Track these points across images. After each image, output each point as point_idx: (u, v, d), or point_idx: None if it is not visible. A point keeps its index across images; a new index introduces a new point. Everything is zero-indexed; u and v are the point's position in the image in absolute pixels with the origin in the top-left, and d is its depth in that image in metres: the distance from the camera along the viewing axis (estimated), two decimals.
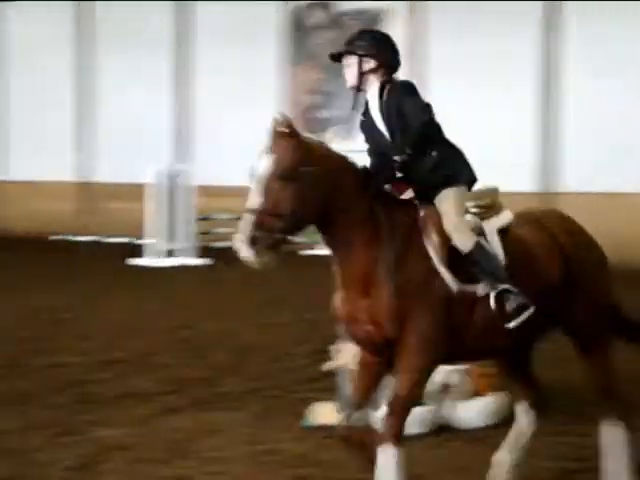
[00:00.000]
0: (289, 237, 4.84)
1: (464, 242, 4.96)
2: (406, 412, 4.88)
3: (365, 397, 5.11)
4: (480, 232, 5.09)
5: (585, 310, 5.40)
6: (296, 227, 4.84)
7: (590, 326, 5.46)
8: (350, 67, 5.23)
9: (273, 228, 4.70)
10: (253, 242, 4.65)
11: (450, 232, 4.95)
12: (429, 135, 5.06)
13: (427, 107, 5.06)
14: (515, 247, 5.16)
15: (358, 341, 5.07)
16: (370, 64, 5.19)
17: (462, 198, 5.11)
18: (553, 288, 5.23)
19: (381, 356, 5.00)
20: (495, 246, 5.08)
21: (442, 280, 4.89)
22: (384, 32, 5.48)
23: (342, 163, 4.98)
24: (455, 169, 5.13)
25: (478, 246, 4.97)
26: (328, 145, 5.12)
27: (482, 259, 4.96)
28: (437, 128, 5.14)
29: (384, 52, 5.23)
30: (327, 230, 4.92)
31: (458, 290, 4.91)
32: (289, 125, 4.78)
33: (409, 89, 5.16)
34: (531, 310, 4.98)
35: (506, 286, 4.95)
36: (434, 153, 5.06)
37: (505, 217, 5.27)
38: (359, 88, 5.22)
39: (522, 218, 5.39)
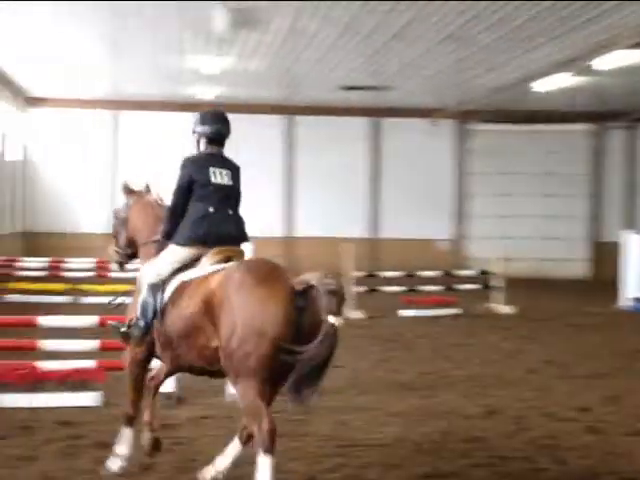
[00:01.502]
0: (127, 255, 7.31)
1: (145, 283, 6.58)
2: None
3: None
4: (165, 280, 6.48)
5: (222, 346, 5.87)
6: (123, 249, 7.30)
7: (227, 361, 5.85)
8: None
9: (117, 249, 7.36)
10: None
11: (142, 273, 6.74)
12: (175, 205, 6.61)
13: (178, 180, 6.57)
14: (180, 293, 6.29)
15: None
16: (194, 137, 6.73)
17: (170, 253, 6.53)
18: (194, 325, 6.11)
19: None
20: (166, 291, 6.42)
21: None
22: (212, 110, 6.95)
23: (153, 212, 7.07)
24: (178, 231, 6.56)
25: (147, 288, 6.50)
26: (158, 200, 7.14)
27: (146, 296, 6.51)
28: (185, 196, 6.54)
29: (200, 125, 6.64)
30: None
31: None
32: (124, 186, 7.35)
33: (180, 164, 6.64)
34: (142, 331, 6.48)
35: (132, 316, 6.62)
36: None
37: (195, 272, 6.34)
38: None
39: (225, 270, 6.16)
